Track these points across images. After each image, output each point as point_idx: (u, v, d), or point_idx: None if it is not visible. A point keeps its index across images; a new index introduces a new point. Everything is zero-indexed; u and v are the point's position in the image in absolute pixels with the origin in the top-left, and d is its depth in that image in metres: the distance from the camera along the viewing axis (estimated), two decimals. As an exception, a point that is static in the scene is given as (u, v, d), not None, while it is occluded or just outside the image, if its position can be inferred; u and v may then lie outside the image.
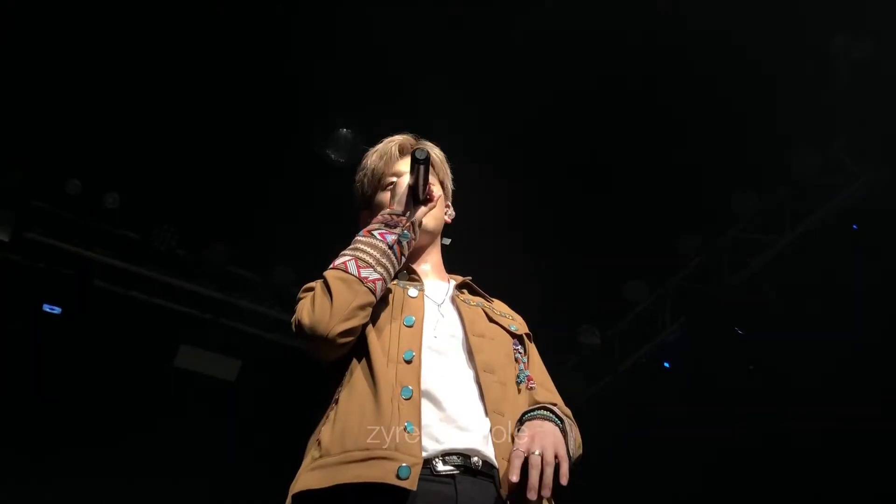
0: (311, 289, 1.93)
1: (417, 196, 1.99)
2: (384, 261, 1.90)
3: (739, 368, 6.02)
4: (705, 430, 5.95)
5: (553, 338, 6.57)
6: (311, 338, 1.82)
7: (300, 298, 1.94)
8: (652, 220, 5.69)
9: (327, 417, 1.82)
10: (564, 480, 1.67)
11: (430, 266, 2.16)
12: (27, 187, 5.67)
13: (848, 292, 5.14)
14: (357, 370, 1.85)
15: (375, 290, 1.86)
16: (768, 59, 4.68)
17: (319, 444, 1.75)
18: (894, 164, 4.96)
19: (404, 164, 2.14)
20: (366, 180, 2.21)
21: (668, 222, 5.77)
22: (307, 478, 1.70)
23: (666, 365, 6.59)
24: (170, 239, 6.04)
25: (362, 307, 1.84)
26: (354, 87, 5.13)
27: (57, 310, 6.07)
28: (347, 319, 1.81)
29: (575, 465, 1.84)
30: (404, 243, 1.95)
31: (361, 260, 1.88)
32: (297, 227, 5.67)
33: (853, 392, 5.15)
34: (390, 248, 1.91)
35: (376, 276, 1.87)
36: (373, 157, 2.22)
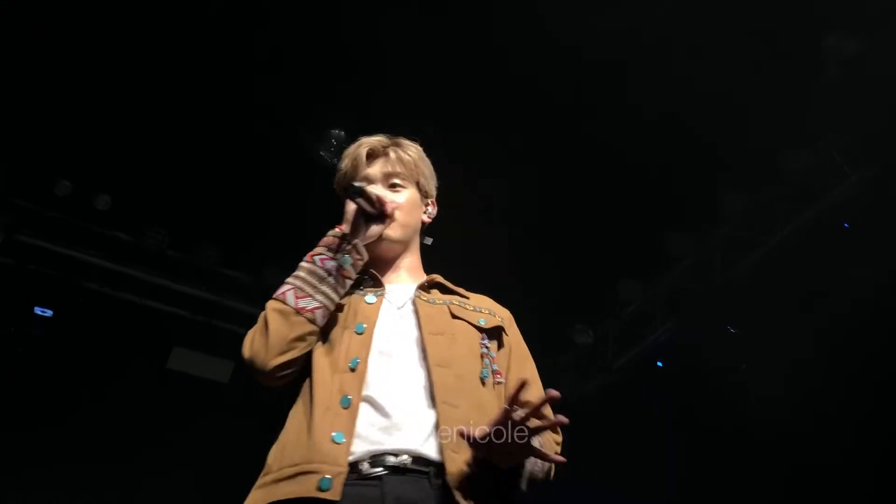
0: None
1: (369, 214, 2.00)
2: (324, 288, 1.90)
3: (732, 367, 6.04)
4: (699, 428, 5.97)
5: (546, 337, 6.58)
6: (251, 370, 1.86)
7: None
8: (644, 218, 5.69)
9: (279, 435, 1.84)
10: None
11: (403, 270, 2.16)
12: (17, 189, 5.65)
13: (840, 290, 5.16)
14: (305, 385, 1.87)
15: (315, 319, 1.87)
16: (758, 57, 4.70)
17: (267, 462, 1.78)
18: (884, 162, 4.98)
19: (373, 168, 2.16)
20: (339, 182, 2.22)
21: (661, 220, 5.78)
22: (251, 497, 1.74)
23: (659, 364, 6.60)
24: (161, 241, 6.03)
25: (300, 338, 1.85)
26: (347, 87, 5.13)
27: (49, 312, 6.06)
28: (283, 353, 1.83)
29: (542, 480, 1.83)
30: (347, 267, 1.94)
31: (300, 290, 1.89)
32: (287, 228, 5.66)
33: (847, 389, 5.16)
34: (330, 274, 1.91)
35: (315, 304, 1.87)
36: (345, 161, 2.22)
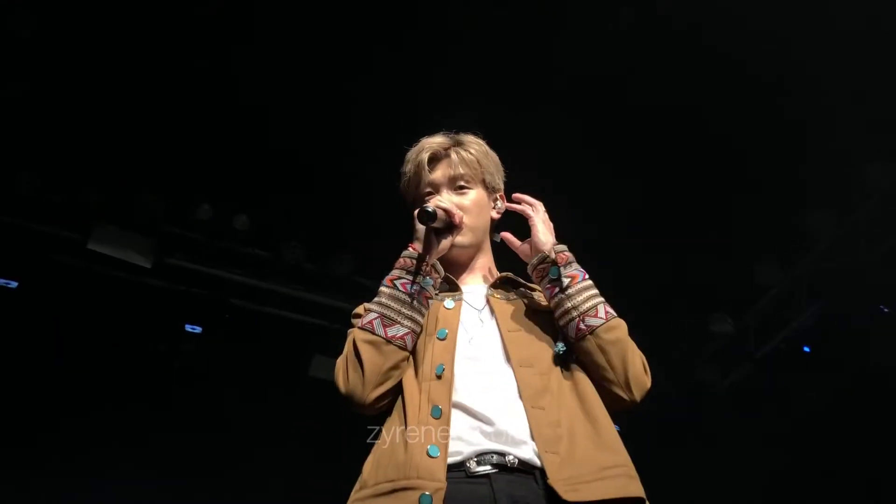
0: (360, 315, 1.97)
1: (439, 229, 1.98)
2: (410, 313, 1.90)
3: (889, 348, 5.69)
4: (856, 415, 5.66)
5: (683, 328, 6.42)
6: (348, 404, 1.87)
7: (350, 328, 1.98)
8: (781, 197, 5.46)
9: (372, 449, 1.85)
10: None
11: (477, 271, 2.16)
12: (163, 216, 6.00)
13: None
14: (397, 398, 1.87)
15: (406, 346, 1.88)
16: None
17: (361, 476, 1.79)
18: None
19: (436, 173, 2.14)
20: (404, 188, 2.21)
21: (798, 199, 5.52)
22: None
23: (806, 349, 6.31)
24: (297, 255, 6.27)
25: (395, 366, 1.86)
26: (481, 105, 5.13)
27: (198, 329, 6.41)
28: (380, 384, 1.84)
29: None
30: (428, 288, 1.94)
31: (387, 317, 1.88)
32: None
33: None
34: (413, 297, 1.90)
35: (404, 331, 1.88)
36: (408, 166, 2.19)
